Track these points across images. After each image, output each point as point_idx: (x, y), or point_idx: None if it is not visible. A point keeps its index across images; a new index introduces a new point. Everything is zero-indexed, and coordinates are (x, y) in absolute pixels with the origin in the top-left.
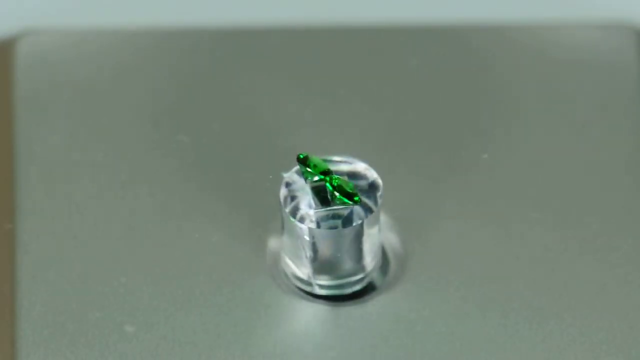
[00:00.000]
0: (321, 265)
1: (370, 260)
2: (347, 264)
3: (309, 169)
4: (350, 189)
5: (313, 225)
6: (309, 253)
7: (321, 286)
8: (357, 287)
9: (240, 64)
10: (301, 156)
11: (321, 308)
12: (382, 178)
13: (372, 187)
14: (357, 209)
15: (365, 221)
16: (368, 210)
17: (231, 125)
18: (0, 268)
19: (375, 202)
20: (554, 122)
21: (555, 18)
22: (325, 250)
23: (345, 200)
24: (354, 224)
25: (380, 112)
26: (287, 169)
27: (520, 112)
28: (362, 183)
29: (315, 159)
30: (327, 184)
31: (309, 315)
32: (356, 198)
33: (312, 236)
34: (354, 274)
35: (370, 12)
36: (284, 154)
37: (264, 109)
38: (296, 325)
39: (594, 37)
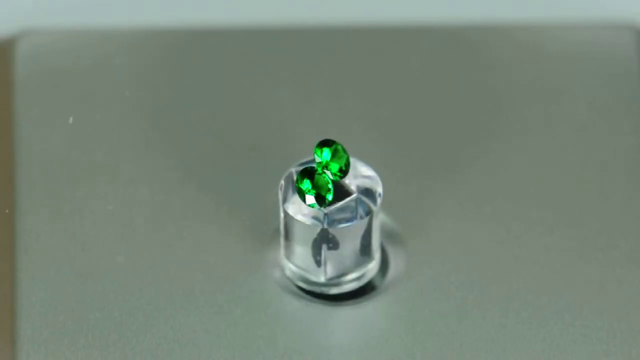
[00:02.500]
0: (290, 250)
1: (331, 272)
2: (307, 260)
3: (317, 156)
4: (314, 190)
5: (291, 211)
6: (282, 232)
7: (286, 268)
8: (317, 290)
9: (240, 64)
10: (321, 143)
11: (321, 308)
12: (382, 178)
13: (372, 189)
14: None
15: (332, 231)
16: (367, 211)
17: (231, 125)
18: (0, 268)
19: (375, 202)
20: (554, 121)
21: (556, 18)
22: (293, 236)
23: (300, 195)
24: (316, 225)
25: (381, 112)
26: (287, 169)
27: (520, 112)
28: (362, 184)
29: (333, 152)
30: (298, 174)
31: (309, 315)
32: (308, 200)
33: (285, 216)
34: (314, 275)
35: (370, 12)
36: (284, 154)
37: (264, 109)
38: (296, 325)
39: (594, 37)
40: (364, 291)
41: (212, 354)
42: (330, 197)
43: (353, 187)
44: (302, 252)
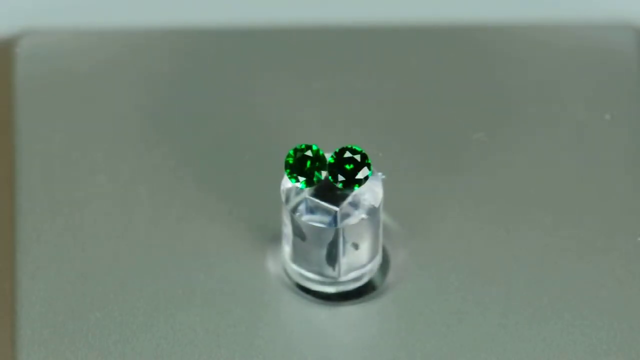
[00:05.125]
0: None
1: (293, 259)
2: (286, 240)
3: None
4: (300, 170)
5: (282, 187)
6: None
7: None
8: (288, 269)
9: (240, 64)
10: (359, 149)
11: (321, 308)
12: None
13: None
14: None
15: (296, 220)
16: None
17: (231, 125)
18: (0, 268)
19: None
20: (554, 121)
21: (556, 18)
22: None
23: (287, 159)
24: (287, 207)
25: (381, 112)
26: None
27: (520, 112)
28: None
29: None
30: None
31: (309, 315)
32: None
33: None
34: (286, 257)
35: (370, 12)
36: (284, 154)
37: (264, 109)
38: (296, 325)
39: (594, 37)
40: (364, 291)
41: (212, 354)
42: (306, 182)
43: (346, 206)
44: (285, 233)
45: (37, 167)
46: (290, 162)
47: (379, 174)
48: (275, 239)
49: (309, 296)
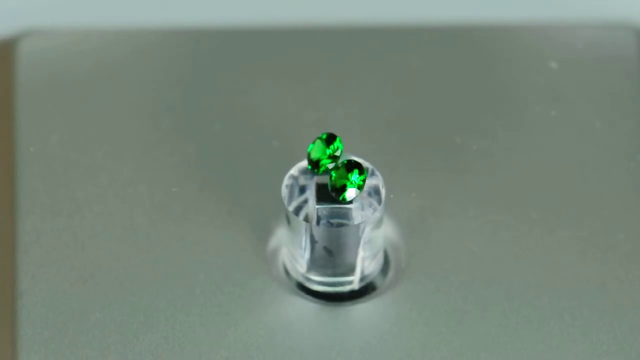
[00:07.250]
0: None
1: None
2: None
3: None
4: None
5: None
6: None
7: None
8: None
9: (240, 64)
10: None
11: (321, 308)
12: (383, 177)
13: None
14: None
15: (286, 208)
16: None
17: (231, 125)
18: (0, 268)
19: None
20: (554, 121)
21: (556, 18)
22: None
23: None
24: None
25: (381, 112)
26: (287, 169)
27: (520, 112)
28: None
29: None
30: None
31: (309, 315)
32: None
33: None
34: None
35: (370, 12)
36: (284, 154)
37: (264, 109)
38: (296, 325)
39: (594, 37)
40: (364, 291)
41: (212, 354)
42: (316, 167)
43: (327, 209)
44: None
45: (37, 167)
46: (318, 143)
47: (376, 210)
48: (276, 239)
49: (309, 296)
